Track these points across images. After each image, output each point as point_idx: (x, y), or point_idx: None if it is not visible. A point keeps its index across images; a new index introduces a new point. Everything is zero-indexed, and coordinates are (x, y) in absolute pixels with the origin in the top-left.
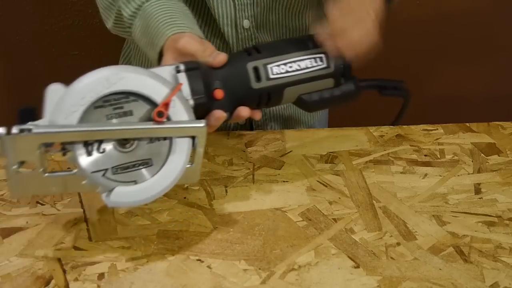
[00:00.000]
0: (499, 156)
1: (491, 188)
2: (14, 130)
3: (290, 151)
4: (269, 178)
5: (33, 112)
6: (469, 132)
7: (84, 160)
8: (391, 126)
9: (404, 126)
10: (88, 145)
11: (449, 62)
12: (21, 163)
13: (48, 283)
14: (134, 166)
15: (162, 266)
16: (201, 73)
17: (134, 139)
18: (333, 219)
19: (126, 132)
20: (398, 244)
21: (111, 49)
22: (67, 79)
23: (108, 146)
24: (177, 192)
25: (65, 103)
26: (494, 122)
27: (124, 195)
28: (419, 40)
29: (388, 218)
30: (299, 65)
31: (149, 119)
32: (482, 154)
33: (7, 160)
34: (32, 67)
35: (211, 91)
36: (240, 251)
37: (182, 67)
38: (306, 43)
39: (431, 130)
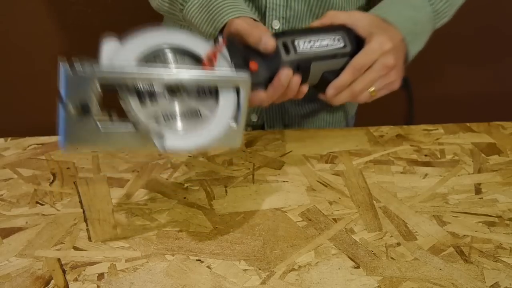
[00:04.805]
0: (499, 156)
1: (491, 188)
2: (78, 67)
3: (290, 151)
4: (269, 178)
5: None
6: (469, 132)
7: (138, 107)
8: (391, 126)
9: (404, 126)
10: (140, 94)
11: (449, 62)
12: (77, 109)
13: (47, 283)
14: (184, 115)
15: (161, 266)
16: (237, 46)
17: (183, 88)
18: (333, 219)
19: (179, 77)
20: (398, 244)
21: None
22: None
23: (160, 96)
24: (177, 192)
25: (121, 54)
26: (495, 122)
27: (176, 140)
28: None
29: (388, 218)
30: (321, 43)
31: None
32: (482, 154)
33: (64, 102)
34: (32, 67)
35: (247, 62)
36: (240, 251)
37: (220, 38)
38: (325, 27)
39: (431, 130)
